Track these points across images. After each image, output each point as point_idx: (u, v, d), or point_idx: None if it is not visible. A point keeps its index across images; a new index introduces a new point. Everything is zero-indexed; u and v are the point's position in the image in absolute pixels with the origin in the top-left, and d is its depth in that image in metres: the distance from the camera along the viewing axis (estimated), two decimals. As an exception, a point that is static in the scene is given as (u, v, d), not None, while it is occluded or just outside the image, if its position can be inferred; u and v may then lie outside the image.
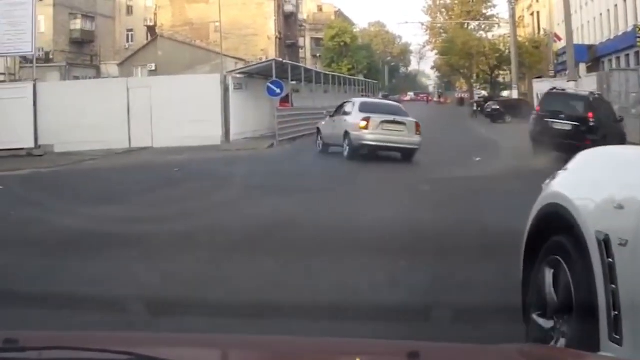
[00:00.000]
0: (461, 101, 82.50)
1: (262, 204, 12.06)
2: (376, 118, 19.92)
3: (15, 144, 24.91)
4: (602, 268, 3.09)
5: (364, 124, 19.77)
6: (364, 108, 20.87)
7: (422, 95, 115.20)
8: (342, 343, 2.73)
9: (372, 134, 19.80)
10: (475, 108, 52.66)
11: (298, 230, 9.51)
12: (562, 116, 19.96)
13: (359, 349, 2.41)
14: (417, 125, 20.35)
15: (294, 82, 33.79)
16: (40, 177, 18.98)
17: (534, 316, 3.68)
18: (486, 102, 51.08)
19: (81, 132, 24.94)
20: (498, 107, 46.03)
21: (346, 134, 20.27)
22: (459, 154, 21.23)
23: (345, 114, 21.31)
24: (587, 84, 32.67)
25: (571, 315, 3.37)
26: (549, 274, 3.62)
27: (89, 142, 24.74)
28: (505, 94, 63.23)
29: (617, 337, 2.99)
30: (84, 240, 8.66)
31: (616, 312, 3.00)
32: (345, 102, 22.90)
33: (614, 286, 3.03)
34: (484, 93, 70.97)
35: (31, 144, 25.64)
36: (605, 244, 3.09)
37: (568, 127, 19.58)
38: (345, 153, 20.32)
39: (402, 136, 19.94)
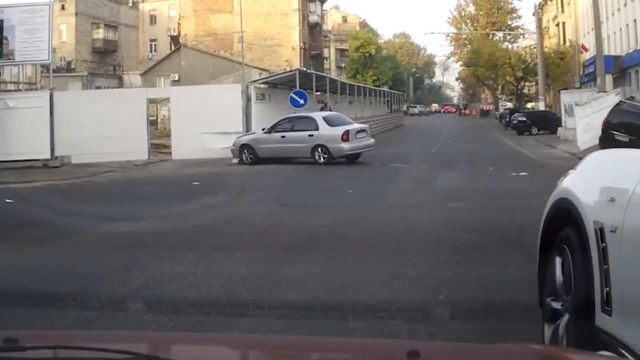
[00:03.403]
0: (486, 113, 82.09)
1: (298, 221, 11.58)
2: (351, 130, 22.71)
3: (32, 154, 24.15)
4: (597, 252, 3.62)
5: (344, 136, 22.28)
6: (329, 122, 22.88)
7: (447, 107, 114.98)
8: (342, 342, 2.76)
9: (350, 143, 22.40)
10: (507, 120, 51.78)
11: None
12: (622, 130, 21.94)
13: (359, 348, 2.38)
14: (370, 129, 24.76)
15: (318, 93, 33.10)
16: (54, 191, 18.21)
17: (548, 300, 4.25)
18: (512, 114, 50.56)
19: (99, 142, 24.15)
20: (525, 118, 45.56)
21: (319, 146, 22.33)
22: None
23: (305, 129, 22.73)
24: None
25: (573, 292, 3.92)
26: (559, 260, 4.18)
27: (106, 153, 23.97)
28: (529, 105, 62.33)
29: (608, 308, 3.49)
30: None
31: (607, 288, 3.51)
32: (289, 119, 23.86)
33: (606, 266, 3.54)
34: (509, 105, 70.14)
35: (47, 155, 24.84)
36: (600, 231, 3.61)
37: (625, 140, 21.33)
38: (321, 161, 22.32)
39: (366, 141, 23.33)
